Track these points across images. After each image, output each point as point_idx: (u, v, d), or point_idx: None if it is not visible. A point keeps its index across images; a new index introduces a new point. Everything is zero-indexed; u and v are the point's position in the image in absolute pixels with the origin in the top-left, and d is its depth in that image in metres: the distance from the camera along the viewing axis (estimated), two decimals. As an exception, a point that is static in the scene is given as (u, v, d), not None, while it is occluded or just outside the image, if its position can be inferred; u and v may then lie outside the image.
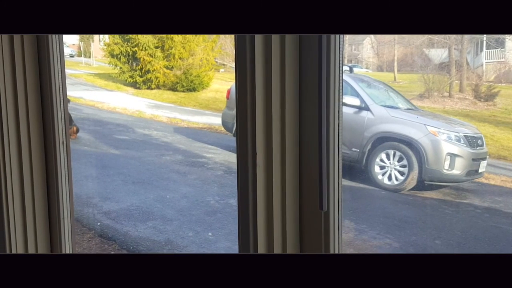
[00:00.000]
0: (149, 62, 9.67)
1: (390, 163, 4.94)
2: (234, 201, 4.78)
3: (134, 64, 10.02)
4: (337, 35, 1.07)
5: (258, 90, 1.12)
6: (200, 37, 9.84)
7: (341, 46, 1.08)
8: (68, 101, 1.78)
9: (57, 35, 1.60)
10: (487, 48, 6.51)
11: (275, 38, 1.09)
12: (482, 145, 4.93)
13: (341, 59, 1.08)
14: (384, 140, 5.05)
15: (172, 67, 9.84)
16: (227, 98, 6.92)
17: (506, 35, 5.99)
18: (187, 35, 9.59)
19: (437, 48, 7.16)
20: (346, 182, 5.08)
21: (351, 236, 3.99)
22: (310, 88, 1.11)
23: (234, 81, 1.18)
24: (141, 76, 9.89)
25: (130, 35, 9.60)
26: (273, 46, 1.10)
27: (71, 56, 13.33)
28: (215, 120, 8.10)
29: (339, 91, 1.10)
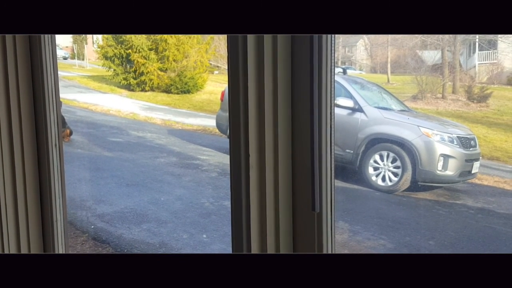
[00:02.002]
0: (143, 64, 9.64)
1: (383, 164, 4.96)
2: (228, 203, 4.74)
3: (128, 66, 9.98)
4: (329, 35, 1.08)
5: (250, 91, 1.12)
6: (194, 39, 9.83)
7: (332, 46, 1.09)
8: (61, 103, 1.77)
9: (49, 37, 1.59)
10: (479, 50, 6.55)
11: (267, 38, 1.10)
12: (475, 146, 4.95)
13: (333, 59, 1.08)
14: (378, 142, 5.06)
15: (166, 69, 9.82)
16: (221, 100, 6.92)
17: (498, 36, 6.03)
18: (181, 37, 9.57)
19: (430, 49, 7.19)
20: (340, 184, 5.09)
21: (345, 237, 3.99)
22: (302, 88, 1.11)
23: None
24: (135, 78, 9.86)
25: (124, 37, 9.57)
26: (265, 46, 1.10)
27: (65, 58, 13.26)
28: (210, 122, 8.09)
29: (331, 91, 1.10)
